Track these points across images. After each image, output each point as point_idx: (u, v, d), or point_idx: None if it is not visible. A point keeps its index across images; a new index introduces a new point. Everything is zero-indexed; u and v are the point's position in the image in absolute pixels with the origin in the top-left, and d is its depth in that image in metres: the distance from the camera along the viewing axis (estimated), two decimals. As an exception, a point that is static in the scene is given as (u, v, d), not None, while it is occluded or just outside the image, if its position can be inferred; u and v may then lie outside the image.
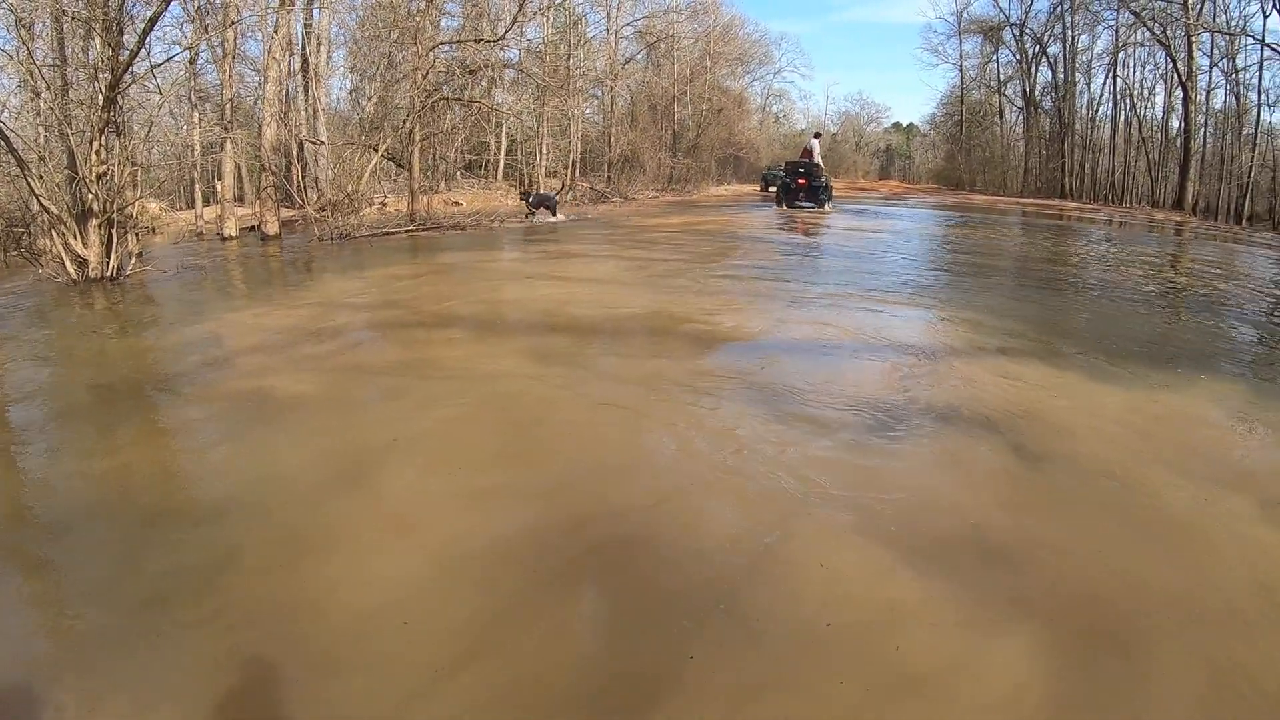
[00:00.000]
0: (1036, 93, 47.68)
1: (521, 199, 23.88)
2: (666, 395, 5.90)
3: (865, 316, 8.82)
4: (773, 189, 38.95)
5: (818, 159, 28.51)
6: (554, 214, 23.05)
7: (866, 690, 2.80)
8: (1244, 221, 32.83)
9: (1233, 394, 6.35)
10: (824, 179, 27.83)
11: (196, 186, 21.62)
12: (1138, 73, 42.12)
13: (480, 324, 8.55)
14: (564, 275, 12.19)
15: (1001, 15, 47.74)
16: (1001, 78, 50.65)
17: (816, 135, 32.05)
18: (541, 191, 25.40)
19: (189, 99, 20.01)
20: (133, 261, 12.30)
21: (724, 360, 7.00)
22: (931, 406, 5.67)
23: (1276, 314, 10.84)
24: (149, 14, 12.34)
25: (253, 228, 18.98)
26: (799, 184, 27.36)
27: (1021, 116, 49.51)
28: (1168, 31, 36.54)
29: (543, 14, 30.85)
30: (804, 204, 27.34)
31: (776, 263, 13.72)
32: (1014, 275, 13.63)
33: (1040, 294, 11.58)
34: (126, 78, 12.06)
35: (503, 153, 33.52)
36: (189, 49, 18.39)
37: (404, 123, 21.05)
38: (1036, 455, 4.87)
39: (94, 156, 11.37)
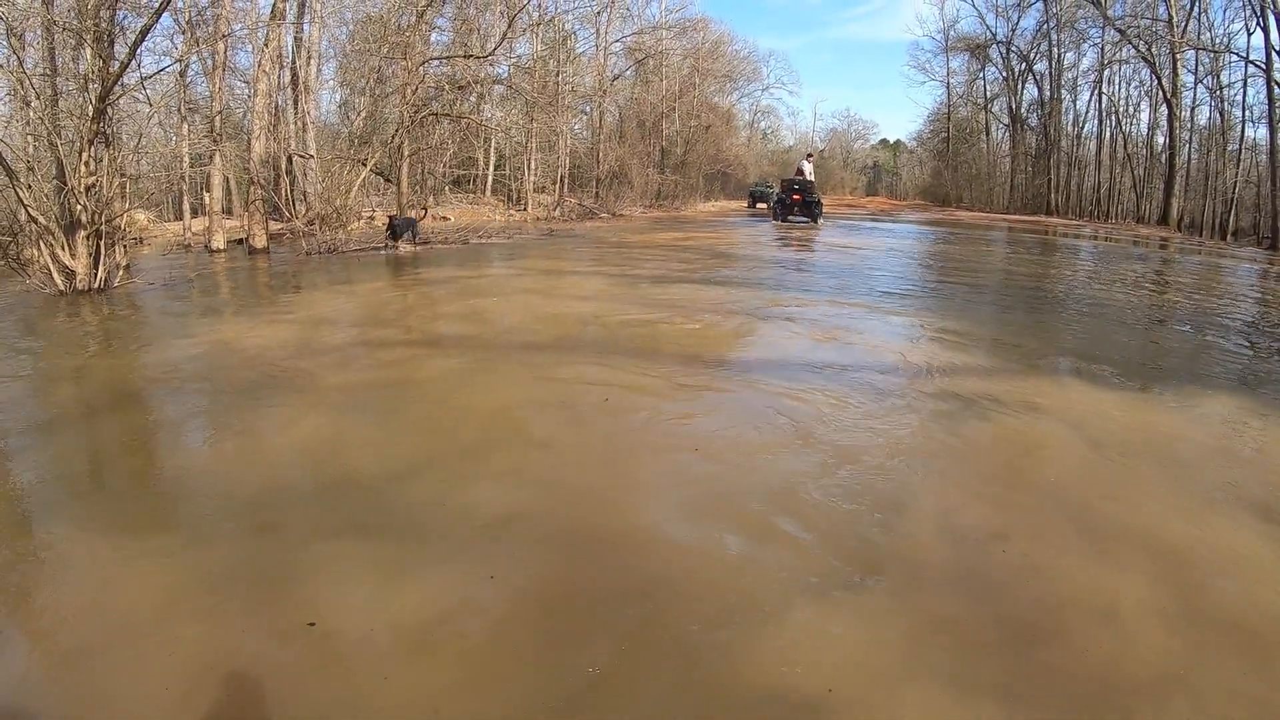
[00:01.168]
0: (1023, 109, 48.14)
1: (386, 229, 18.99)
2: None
3: (876, 327, 9.13)
4: (760, 205, 40.83)
5: (810, 177, 30.16)
6: (405, 239, 18.81)
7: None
8: (1228, 236, 33.11)
9: (1202, 398, 6.63)
10: (816, 196, 29.48)
11: (185, 198, 21.49)
12: (1123, 89, 42.60)
13: (477, 344, 8.52)
14: (560, 292, 12.21)
15: (988, 33, 48.23)
16: (988, 95, 51.14)
17: (809, 156, 34.12)
18: (407, 216, 20.48)
19: (178, 110, 19.90)
20: (120, 273, 12.21)
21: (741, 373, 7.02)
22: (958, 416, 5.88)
23: (1258, 327, 10.91)
24: (140, 25, 12.33)
25: (240, 240, 18.86)
26: (794, 200, 29.12)
27: (1008, 133, 49.93)
28: (1153, 49, 36.92)
29: (532, 30, 31.04)
30: (798, 218, 29.18)
31: (777, 280, 13.70)
32: (1008, 291, 13.69)
33: (1037, 309, 11.69)
34: (117, 89, 12.02)
35: (491, 168, 33.53)
36: (179, 61, 18.34)
37: (393, 137, 21.05)
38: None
39: (83, 167, 11.30)
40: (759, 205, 42.49)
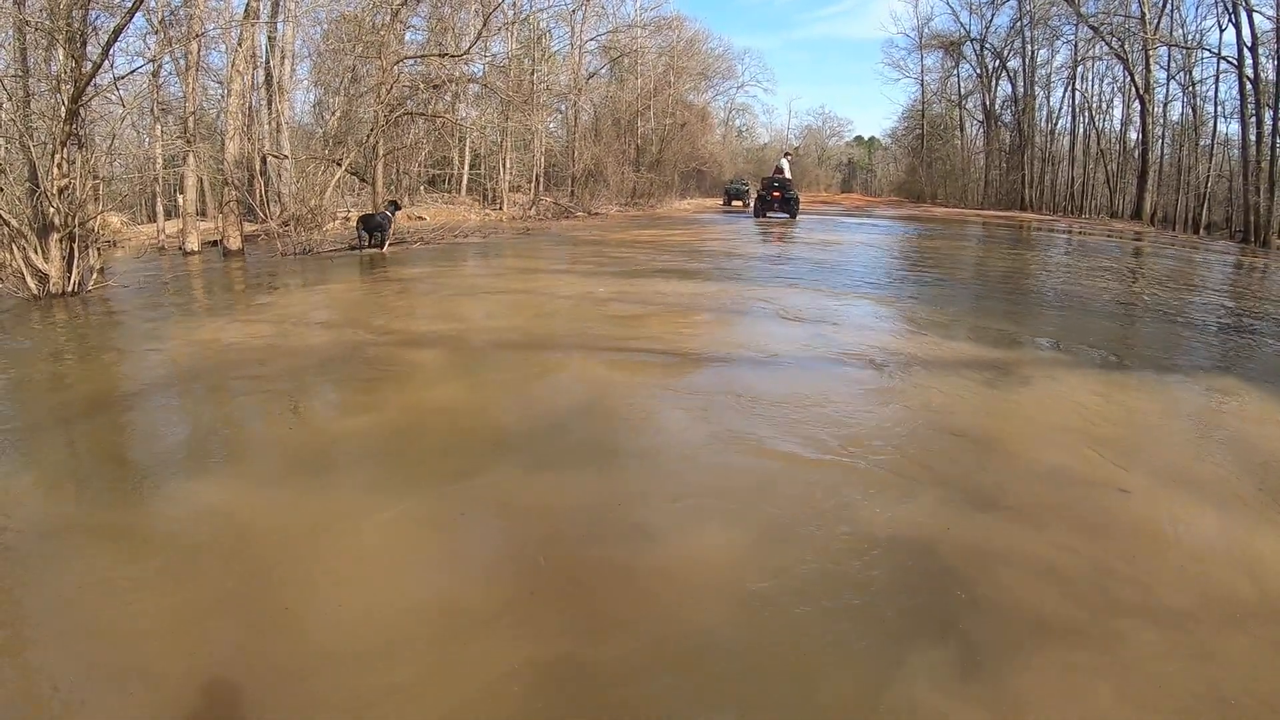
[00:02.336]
0: (996, 106, 48.48)
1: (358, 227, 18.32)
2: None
3: (882, 316, 9.27)
4: (736, 203, 41.83)
5: (788, 175, 32.71)
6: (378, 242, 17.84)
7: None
8: (1201, 230, 33.47)
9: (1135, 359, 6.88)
10: (793, 193, 32.51)
11: (159, 200, 21.30)
12: (1096, 86, 43.03)
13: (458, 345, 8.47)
14: (536, 290, 12.16)
15: (962, 30, 48.58)
16: (962, 91, 51.52)
17: (786, 155, 36.29)
18: (381, 211, 18.63)
19: (152, 111, 19.71)
20: (94, 276, 12.08)
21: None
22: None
23: (1215, 314, 11.05)
24: (113, 25, 12.19)
25: (215, 242, 18.70)
26: (774, 196, 31.83)
27: (982, 129, 50.31)
28: (1126, 45, 37.25)
29: (507, 29, 30.94)
30: (777, 213, 31.93)
31: (771, 275, 13.78)
32: (998, 285, 13.91)
33: (1028, 300, 11.88)
34: (89, 90, 11.88)
35: (466, 167, 33.38)
36: (152, 61, 18.16)
37: (367, 137, 20.92)
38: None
39: (55, 169, 11.15)
40: (734, 203, 42.87)
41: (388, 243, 17.82)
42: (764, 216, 32.04)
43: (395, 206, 18.71)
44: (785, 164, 33.79)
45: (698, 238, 21.73)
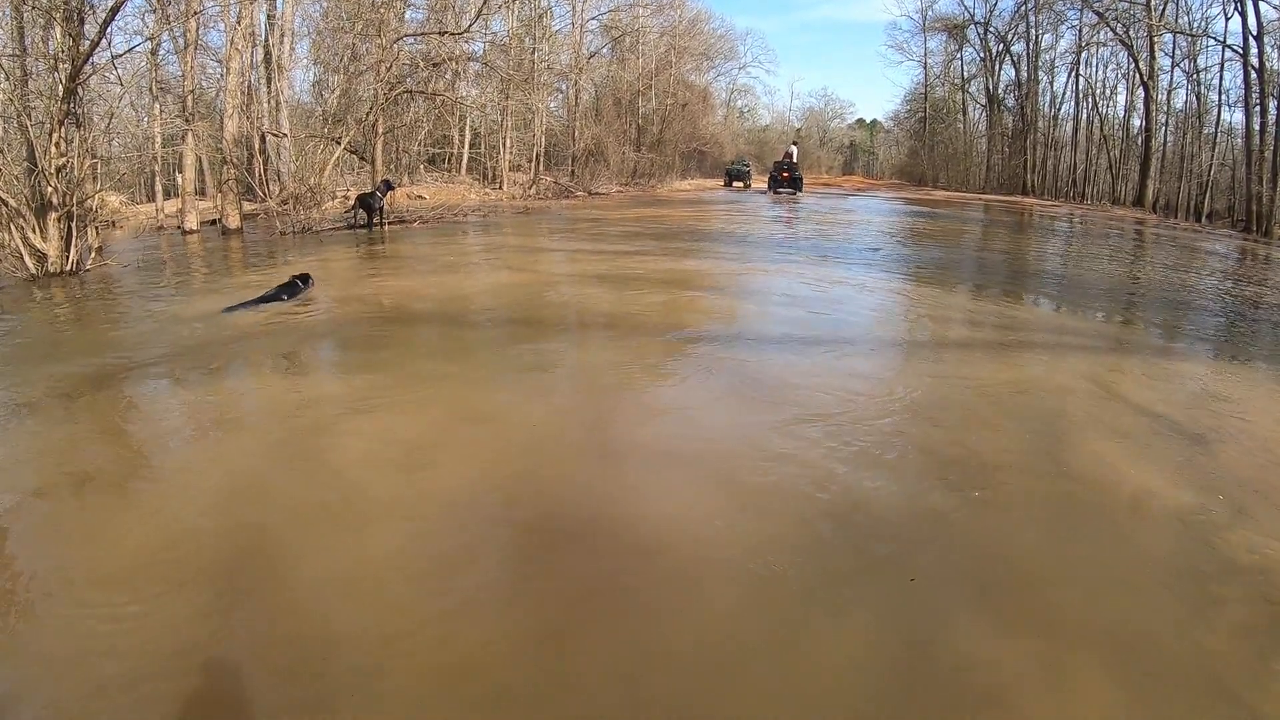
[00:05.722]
0: (1000, 90, 48.32)
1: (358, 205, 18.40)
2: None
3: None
4: (737, 184, 44.56)
5: (795, 159, 40.12)
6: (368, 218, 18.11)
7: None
8: (1203, 219, 33.42)
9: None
10: (799, 173, 40.12)
11: (157, 179, 21.16)
12: (1100, 72, 42.80)
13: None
14: (541, 269, 12.17)
15: (966, 13, 48.45)
16: (965, 75, 51.34)
17: (795, 142, 45.83)
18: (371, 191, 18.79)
19: (150, 90, 19.57)
20: (93, 256, 12.06)
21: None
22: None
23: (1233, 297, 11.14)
24: (110, 3, 12.12)
25: (214, 221, 18.62)
26: (784, 176, 39.26)
27: (985, 114, 50.17)
28: (1130, 32, 37.13)
29: (507, 6, 30.75)
30: (786, 190, 38.95)
31: (779, 254, 14.03)
32: (1013, 265, 14.28)
33: (1051, 281, 12.22)
34: (87, 68, 11.80)
35: (466, 146, 33.20)
36: (150, 39, 18.03)
37: (367, 115, 20.86)
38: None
39: (53, 148, 11.11)
40: (735, 184, 43.69)
41: (385, 221, 17.90)
42: (775, 192, 38.81)
43: (388, 185, 18.65)
44: (794, 149, 41.76)
45: (714, 217, 21.98)
